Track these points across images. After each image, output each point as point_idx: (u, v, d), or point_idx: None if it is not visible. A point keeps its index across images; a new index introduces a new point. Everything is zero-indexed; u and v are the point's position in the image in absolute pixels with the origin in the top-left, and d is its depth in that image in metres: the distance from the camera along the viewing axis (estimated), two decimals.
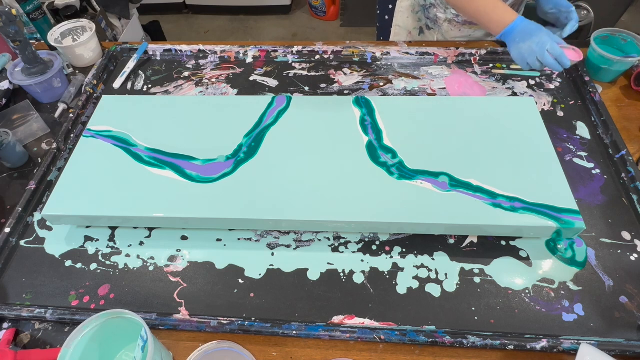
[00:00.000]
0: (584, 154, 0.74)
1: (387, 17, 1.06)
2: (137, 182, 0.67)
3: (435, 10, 0.99)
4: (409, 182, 0.64)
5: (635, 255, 0.62)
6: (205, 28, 2.56)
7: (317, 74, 0.92)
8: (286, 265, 0.63)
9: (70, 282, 0.63)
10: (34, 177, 0.73)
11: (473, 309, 0.58)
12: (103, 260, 0.65)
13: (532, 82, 0.87)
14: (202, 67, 0.95)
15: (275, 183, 0.65)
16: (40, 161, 0.80)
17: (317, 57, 0.94)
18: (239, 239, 0.67)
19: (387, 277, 0.62)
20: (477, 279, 0.61)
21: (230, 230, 0.68)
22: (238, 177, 0.67)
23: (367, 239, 0.65)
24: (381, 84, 0.89)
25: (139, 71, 0.96)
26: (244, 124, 0.74)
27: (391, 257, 0.63)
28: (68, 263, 0.65)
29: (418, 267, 0.62)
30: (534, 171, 0.65)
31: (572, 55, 0.74)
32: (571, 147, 0.75)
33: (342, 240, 0.66)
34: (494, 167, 0.66)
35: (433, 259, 0.63)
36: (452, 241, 0.65)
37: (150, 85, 0.93)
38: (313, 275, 0.62)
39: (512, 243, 0.64)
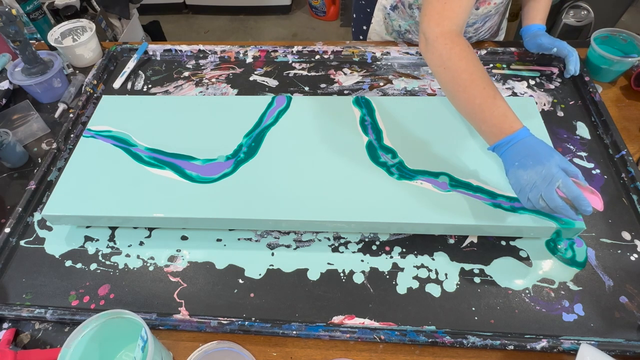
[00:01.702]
0: (584, 154, 0.74)
1: (360, 37, 1.06)
2: (137, 182, 0.67)
3: (410, 36, 0.95)
4: (409, 182, 0.64)
5: (635, 255, 0.62)
6: (205, 28, 2.56)
7: (317, 74, 0.92)
8: (286, 265, 0.63)
9: (70, 282, 0.63)
10: (34, 177, 0.73)
11: (473, 309, 0.58)
12: (103, 260, 0.65)
13: (532, 82, 0.87)
14: (202, 67, 0.95)
15: (275, 183, 0.65)
16: (40, 161, 0.80)
17: (317, 57, 0.94)
18: (239, 239, 0.67)
19: (387, 277, 0.62)
20: (477, 279, 0.61)
21: (230, 230, 0.68)
22: (238, 177, 0.67)
23: (367, 239, 0.65)
24: (381, 84, 0.89)
25: (139, 71, 0.96)
26: (244, 124, 0.74)
27: (391, 257, 0.63)
28: (68, 263, 0.65)
29: (418, 267, 0.62)
30: None
31: (593, 200, 0.54)
32: (571, 147, 0.75)
33: (342, 240, 0.66)
34: (494, 167, 0.66)
35: (433, 259, 0.63)
36: (452, 241, 0.65)
37: (150, 85, 0.93)
38: (313, 275, 0.62)
39: (512, 243, 0.64)
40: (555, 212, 0.54)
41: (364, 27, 1.02)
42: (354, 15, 1.07)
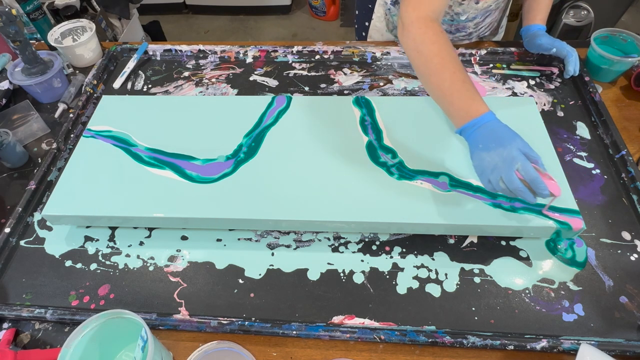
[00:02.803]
0: (584, 154, 0.74)
1: (363, 34, 1.07)
2: (137, 182, 0.67)
3: None
4: (409, 182, 0.64)
5: (635, 255, 0.62)
6: (205, 28, 2.56)
7: (317, 74, 0.92)
8: (286, 265, 0.63)
9: (70, 282, 0.63)
10: (34, 177, 0.73)
11: (473, 309, 0.58)
12: (103, 260, 0.65)
13: (532, 82, 0.87)
14: (202, 67, 0.95)
15: (275, 183, 0.65)
16: (40, 161, 0.80)
17: (317, 57, 0.94)
18: (239, 239, 0.67)
19: (387, 277, 0.62)
20: (477, 279, 0.61)
21: (230, 230, 0.68)
22: (238, 177, 0.67)
23: (367, 239, 0.65)
24: (381, 84, 0.89)
25: (139, 71, 0.96)
26: (244, 124, 0.74)
27: (391, 257, 0.63)
28: (68, 263, 0.65)
29: (418, 267, 0.62)
30: None
31: (553, 187, 0.55)
32: (571, 147, 0.75)
33: (342, 240, 0.66)
34: None
35: (433, 259, 0.63)
36: (452, 241, 0.65)
37: (150, 85, 0.93)
38: (313, 275, 0.62)
39: (512, 243, 0.64)
40: (514, 194, 0.55)
41: (366, 24, 1.03)
42: (357, 12, 1.07)
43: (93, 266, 0.65)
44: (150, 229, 0.69)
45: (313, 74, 0.92)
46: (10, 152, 0.77)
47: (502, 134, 0.57)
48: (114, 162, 0.70)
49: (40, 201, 0.73)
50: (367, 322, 0.57)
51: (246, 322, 0.57)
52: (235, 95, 0.89)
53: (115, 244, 0.67)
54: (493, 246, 0.64)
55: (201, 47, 0.97)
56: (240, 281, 0.62)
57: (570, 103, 0.83)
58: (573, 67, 0.81)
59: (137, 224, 0.68)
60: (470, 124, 0.59)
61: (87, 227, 0.69)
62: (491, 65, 0.91)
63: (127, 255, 0.66)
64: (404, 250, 0.64)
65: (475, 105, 0.59)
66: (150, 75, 0.95)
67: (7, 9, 0.79)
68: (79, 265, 0.65)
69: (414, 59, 0.65)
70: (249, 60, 0.96)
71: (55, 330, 0.60)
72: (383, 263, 0.63)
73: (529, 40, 0.85)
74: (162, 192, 0.65)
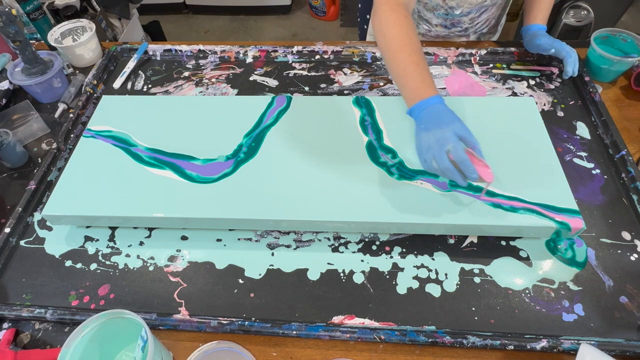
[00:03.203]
0: (584, 154, 0.74)
1: (365, 27, 1.07)
2: (137, 182, 0.67)
3: None
4: (409, 182, 0.64)
5: (635, 255, 0.62)
6: (205, 28, 2.56)
7: (317, 74, 0.92)
8: (286, 265, 0.63)
9: (70, 282, 0.63)
10: (34, 177, 0.73)
11: (473, 309, 0.58)
12: (103, 260, 0.65)
13: (532, 82, 0.87)
14: (202, 67, 0.95)
15: (275, 183, 0.65)
16: (40, 161, 0.80)
17: (317, 57, 0.94)
18: (239, 239, 0.67)
19: (387, 277, 0.62)
20: (477, 279, 0.61)
21: (230, 230, 0.68)
22: (238, 177, 0.67)
23: (367, 239, 0.65)
24: (381, 84, 0.89)
25: (139, 71, 0.96)
26: (244, 124, 0.74)
27: (391, 257, 0.63)
28: (68, 263, 0.65)
29: (418, 267, 0.62)
30: (534, 171, 0.65)
31: (484, 173, 0.56)
32: (571, 147, 0.75)
33: (342, 240, 0.66)
34: (494, 167, 0.65)
35: (433, 259, 0.63)
36: (452, 241, 0.65)
37: (150, 85, 0.93)
38: (313, 275, 0.62)
39: (512, 243, 0.64)
40: (445, 175, 0.57)
41: (367, 16, 1.03)
42: (360, 5, 1.07)
43: (93, 266, 0.65)
44: (150, 229, 0.69)
45: (313, 74, 0.92)
46: (10, 152, 0.77)
47: (442, 117, 0.58)
48: (114, 162, 0.70)
49: (40, 201, 0.73)
50: (367, 322, 0.57)
51: (246, 322, 0.57)
52: (235, 95, 0.89)
53: (115, 244, 0.67)
54: (493, 246, 0.64)
55: (201, 47, 0.97)
56: (240, 281, 0.62)
57: (570, 103, 0.83)
58: (572, 68, 0.81)
59: (137, 224, 0.68)
60: (417, 105, 0.61)
61: (87, 227, 0.69)
62: (491, 65, 0.91)
63: (127, 255, 0.66)
64: (404, 250, 0.64)
65: (424, 88, 0.61)
66: (150, 75, 0.95)
67: (7, 9, 0.79)
68: (79, 265, 0.65)
69: (378, 40, 0.68)
70: (249, 60, 0.96)
71: (55, 330, 0.60)
72: (383, 263, 0.63)
73: (528, 40, 0.85)
74: (162, 192, 0.65)
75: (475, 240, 0.64)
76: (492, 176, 0.57)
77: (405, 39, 0.64)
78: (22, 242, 0.68)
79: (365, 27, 1.06)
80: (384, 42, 0.66)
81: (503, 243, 0.64)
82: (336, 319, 0.58)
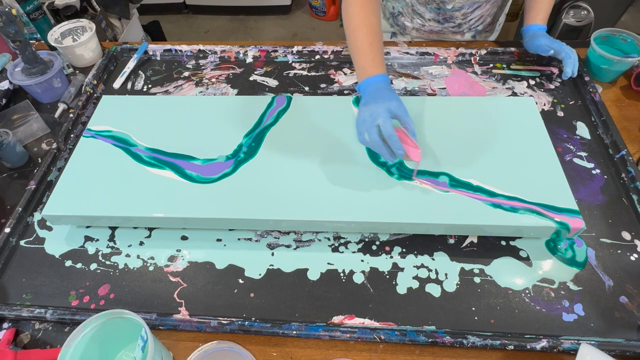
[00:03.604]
0: (584, 154, 0.74)
1: None
2: (137, 182, 0.67)
3: (403, 19, 0.98)
4: (409, 182, 0.64)
5: (635, 255, 0.62)
6: (205, 28, 2.56)
7: (317, 74, 0.92)
8: (286, 265, 0.63)
9: (70, 282, 0.63)
10: (34, 177, 0.73)
11: (473, 309, 0.58)
12: (103, 260, 0.65)
13: (532, 82, 0.87)
14: (202, 67, 0.95)
15: (275, 183, 0.65)
16: (40, 161, 0.80)
17: (317, 57, 0.94)
18: (239, 239, 0.67)
19: (387, 277, 0.62)
20: (477, 279, 0.61)
21: (230, 230, 0.68)
22: (238, 177, 0.67)
23: (367, 239, 0.65)
24: None
25: (139, 71, 0.96)
26: (244, 124, 0.74)
27: (391, 257, 0.63)
28: (68, 263, 0.65)
29: (418, 267, 0.62)
30: (534, 171, 0.65)
31: (413, 152, 0.59)
32: (571, 147, 0.75)
33: (342, 240, 0.66)
34: (494, 167, 0.66)
35: (433, 259, 0.63)
36: (452, 241, 0.65)
37: (150, 85, 0.93)
38: (313, 275, 0.62)
39: (512, 243, 0.64)
40: (374, 148, 0.60)
41: None
42: None
43: (93, 266, 0.65)
44: (150, 229, 0.69)
45: (313, 74, 0.92)
46: (10, 152, 0.77)
47: (381, 94, 0.62)
48: (114, 162, 0.70)
49: (40, 201, 0.73)
50: (367, 322, 0.57)
51: (246, 322, 0.57)
52: (235, 95, 0.89)
53: (115, 244, 0.67)
54: (493, 246, 0.64)
55: (201, 47, 0.97)
56: (240, 281, 0.62)
57: (570, 103, 0.83)
58: (571, 68, 0.81)
59: (137, 224, 0.68)
60: (364, 82, 0.65)
61: (87, 227, 0.69)
62: (491, 65, 0.91)
63: (127, 255, 0.66)
64: (404, 250, 0.64)
65: (373, 66, 0.65)
66: (150, 75, 0.95)
67: (7, 9, 0.79)
68: (79, 265, 0.65)
69: (344, 22, 0.71)
70: (249, 60, 0.96)
71: (55, 330, 0.60)
72: (383, 263, 0.63)
73: (528, 41, 0.85)
74: (162, 192, 0.65)
75: (475, 240, 0.64)
76: (420, 156, 0.60)
77: (364, 19, 0.68)
78: (22, 242, 0.68)
79: None
80: (346, 19, 0.70)
81: (503, 243, 0.64)
82: (336, 319, 0.58)
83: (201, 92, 0.90)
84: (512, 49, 0.91)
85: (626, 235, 0.64)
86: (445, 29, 0.96)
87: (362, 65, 0.66)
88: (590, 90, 0.81)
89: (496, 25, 1.01)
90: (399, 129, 0.60)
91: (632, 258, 0.62)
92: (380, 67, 0.65)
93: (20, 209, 0.69)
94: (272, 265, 0.64)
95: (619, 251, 0.62)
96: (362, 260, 0.63)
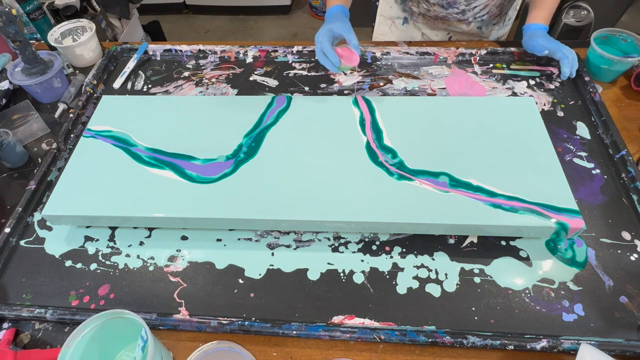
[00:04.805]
0: (584, 154, 0.74)
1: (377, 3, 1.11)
2: (137, 182, 0.67)
3: (410, 4, 1.00)
4: (409, 182, 0.64)
5: (635, 255, 0.62)
6: (205, 28, 2.56)
7: (317, 74, 0.92)
8: (286, 265, 0.63)
9: (70, 282, 0.63)
10: (34, 177, 0.73)
11: (473, 309, 0.58)
12: (103, 260, 0.65)
13: (532, 82, 0.87)
14: (202, 67, 0.95)
15: (275, 183, 0.65)
16: (40, 161, 0.80)
17: None
18: (239, 239, 0.67)
19: (387, 277, 0.62)
20: (477, 279, 0.61)
21: (230, 230, 0.68)
22: (238, 177, 0.67)
23: (367, 239, 0.65)
24: (381, 84, 0.89)
25: (139, 71, 0.96)
26: (244, 124, 0.74)
27: (391, 257, 0.63)
28: (68, 263, 0.65)
29: (418, 267, 0.62)
30: (534, 171, 0.65)
31: (348, 58, 0.74)
32: (571, 147, 0.75)
33: (342, 240, 0.66)
34: (494, 167, 0.66)
35: (433, 259, 0.63)
36: (452, 241, 0.65)
37: (150, 85, 0.93)
38: (313, 275, 0.62)
39: (512, 243, 0.64)
40: (320, 61, 0.77)
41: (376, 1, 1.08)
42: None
43: (93, 266, 0.65)
44: (150, 229, 0.69)
45: (313, 74, 0.92)
46: (10, 152, 0.77)
47: (332, 19, 0.79)
48: (114, 162, 0.70)
49: (40, 201, 0.73)
50: (367, 322, 0.57)
51: (246, 322, 0.57)
52: (235, 95, 0.89)
53: (115, 244, 0.67)
54: (493, 246, 0.64)
55: (201, 47, 0.97)
56: (240, 281, 0.62)
57: (570, 103, 0.83)
58: (569, 69, 0.81)
59: (137, 224, 0.68)
60: (327, 10, 0.83)
61: (87, 227, 0.69)
62: (491, 65, 0.91)
63: (127, 255, 0.66)
64: (404, 250, 0.64)
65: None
66: (150, 75, 0.95)
67: (7, 9, 0.79)
68: (79, 265, 0.65)
69: None
70: (249, 60, 0.96)
71: (55, 330, 0.60)
72: (383, 263, 0.63)
73: (526, 40, 0.85)
74: (162, 192, 0.65)
75: (475, 240, 0.64)
76: (357, 61, 0.74)
77: None
78: (22, 242, 0.68)
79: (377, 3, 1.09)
80: None
81: (503, 243, 0.64)
82: (336, 319, 0.58)
83: (201, 92, 0.90)
84: (512, 49, 0.91)
85: (626, 235, 0.64)
86: (449, 15, 0.96)
87: (330, 1, 0.84)
88: (590, 90, 0.81)
89: (505, 19, 1.00)
90: (345, 46, 0.76)
91: (632, 258, 0.62)
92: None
93: (20, 209, 0.69)
94: (272, 265, 0.64)
95: (619, 251, 0.62)
96: (362, 260, 0.63)
